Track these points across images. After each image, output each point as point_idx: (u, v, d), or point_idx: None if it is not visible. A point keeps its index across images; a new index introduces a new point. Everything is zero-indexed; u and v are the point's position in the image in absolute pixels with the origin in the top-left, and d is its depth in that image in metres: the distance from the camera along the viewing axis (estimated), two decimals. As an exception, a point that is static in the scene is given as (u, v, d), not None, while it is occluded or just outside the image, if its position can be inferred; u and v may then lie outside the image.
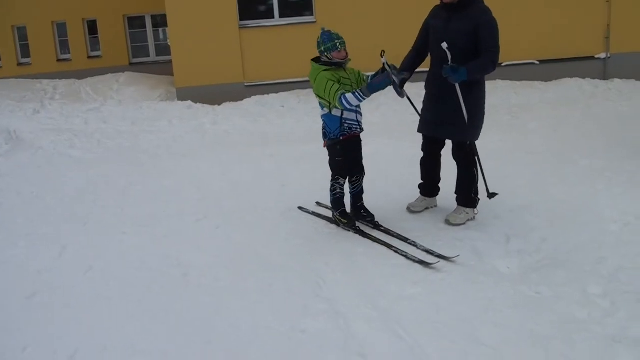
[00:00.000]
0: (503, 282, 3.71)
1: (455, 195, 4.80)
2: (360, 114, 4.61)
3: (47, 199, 6.16)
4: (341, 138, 4.58)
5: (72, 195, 6.26)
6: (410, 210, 5.02)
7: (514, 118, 8.69)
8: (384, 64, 4.32)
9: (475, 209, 4.75)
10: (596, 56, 11.22)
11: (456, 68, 4.19)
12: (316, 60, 4.55)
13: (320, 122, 4.72)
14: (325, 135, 4.68)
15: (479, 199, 4.73)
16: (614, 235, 4.28)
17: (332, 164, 4.77)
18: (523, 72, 11.05)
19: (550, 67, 11.08)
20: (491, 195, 4.68)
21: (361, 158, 4.78)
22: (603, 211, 4.71)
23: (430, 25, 4.59)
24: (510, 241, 4.32)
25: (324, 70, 4.43)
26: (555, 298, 3.48)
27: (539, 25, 11.01)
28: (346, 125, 4.55)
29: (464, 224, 4.66)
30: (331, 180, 4.80)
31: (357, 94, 4.26)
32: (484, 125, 4.65)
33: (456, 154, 4.70)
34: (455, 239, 4.40)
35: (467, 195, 4.71)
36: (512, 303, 3.46)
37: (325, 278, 3.93)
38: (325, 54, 4.44)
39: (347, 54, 4.45)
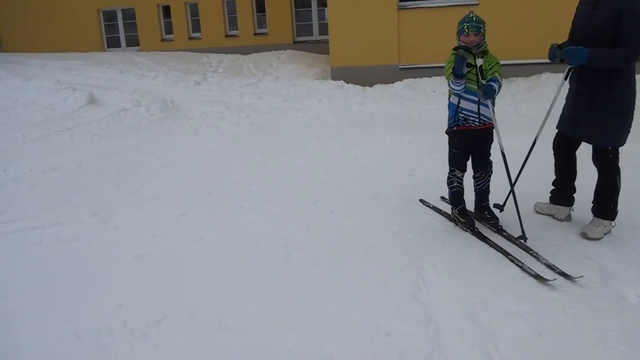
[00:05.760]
0: (625, 313, 3.18)
1: (592, 205, 4.22)
2: (488, 107, 4.13)
3: (182, 167, 6.46)
4: (455, 128, 4.24)
5: (207, 166, 6.51)
6: (535, 210, 4.63)
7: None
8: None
9: (613, 222, 4.15)
10: None
11: (577, 49, 3.81)
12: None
13: None
14: None
15: (617, 211, 4.14)
16: None
17: (449, 154, 4.46)
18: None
19: None
20: (498, 206, 4.48)
21: (486, 154, 4.37)
22: None
23: (578, 11, 4.15)
24: (647, 265, 3.69)
25: (453, 53, 4.15)
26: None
27: None
28: (461, 115, 4.21)
29: (601, 237, 4.09)
30: (448, 172, 4.47)
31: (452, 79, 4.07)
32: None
33: (596, 160, 4.14)
34: (584, 255, 3.86)
35: (605, 205, 4.13)
36: (629, 339, 2.94)
37: (427, 279, 3.65)
38: (457, 36, 4.16)
39: (478, 39, 4.06)
